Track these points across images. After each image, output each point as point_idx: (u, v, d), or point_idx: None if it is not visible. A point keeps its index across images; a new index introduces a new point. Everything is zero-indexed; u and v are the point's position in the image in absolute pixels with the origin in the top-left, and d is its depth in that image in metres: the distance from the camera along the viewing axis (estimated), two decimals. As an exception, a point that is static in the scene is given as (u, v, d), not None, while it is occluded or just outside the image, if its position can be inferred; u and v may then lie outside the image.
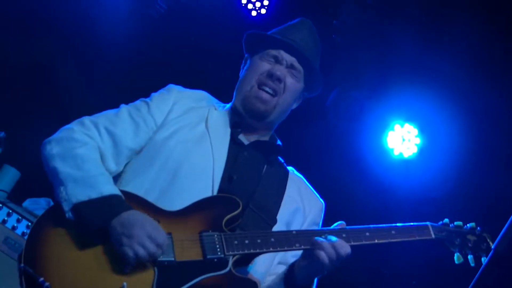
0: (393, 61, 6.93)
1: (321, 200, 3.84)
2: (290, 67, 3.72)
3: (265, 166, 3.69)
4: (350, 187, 6.82)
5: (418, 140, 7.12)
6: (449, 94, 6.66)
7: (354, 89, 7.24)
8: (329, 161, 6.91)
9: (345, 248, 3.28)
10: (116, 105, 3.66)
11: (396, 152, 7.18)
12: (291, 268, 3.44)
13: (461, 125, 6.65)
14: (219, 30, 6.94)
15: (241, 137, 3.69)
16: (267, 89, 3.65)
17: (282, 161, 3.86)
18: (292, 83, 3.72)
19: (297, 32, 3.82)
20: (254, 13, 7.14)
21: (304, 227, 3.66)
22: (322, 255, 3.25)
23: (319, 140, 7.12)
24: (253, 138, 3.74)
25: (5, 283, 4.83)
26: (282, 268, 3.56)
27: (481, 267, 2.89)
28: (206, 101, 3.82)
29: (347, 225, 3.45)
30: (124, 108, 3.63)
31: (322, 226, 3.75)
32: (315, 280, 3.46)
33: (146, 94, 3.73)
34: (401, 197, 6.93)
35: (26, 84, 6.75)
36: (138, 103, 3.67)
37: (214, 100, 3.87)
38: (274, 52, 3.74)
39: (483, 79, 6.45)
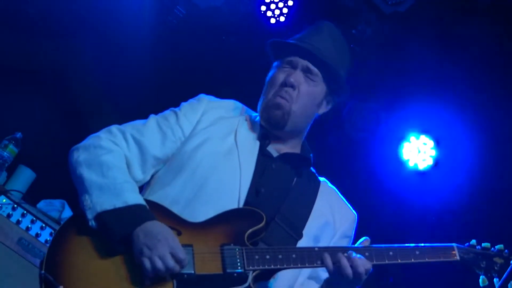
0: (410, 72, 6.90)
1: (354, 212, 3.78)
2: (306, 70, 3.66)
3: (295, 179, 3.64)
4: (365, 199, 6.78)
5: (433, 152, 7.09)
6: (465, 106, 6.64)
7: (370, 99, 7.22)
8: (344, 172, 6.88)
9: (365, 265, 3.23)
10: (133, 110, 3.66)
11: (411, 164, 7.16)
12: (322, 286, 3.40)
13: (477, 137, 6.62)
14: (238, 37, 6.95)
15: (270, 148, 3.64)
16: (281, 97, 3.60)
17: (314, 171, 3.80)
18: (308, 87, 3.65)
19: (315, 35, 3.76)
20: (273, 20, 7.11)
21: (334, 240, 3.60)
22: (343, 271, 3.20)
23: (334, 150, 7.11)
24: (283, 149, 3.68)
25: (18, 283, 4.84)
26: (312, 284, 3.53)
27: (503, 278, 2.87)
28: (238, 110, 3.79)
29: (361, 236, 3.42)
30: (152, 117, 3.62)
31: (354, 238, 3.70)
32: None
33: (164, 101, 3.72)
34: (415, 209, 6.91)
35: (44, 86, 6.77)
36: (168, 112, 3.65)
37: (246, 110, 3.84)
38: (290, 58, 3.69)
39: (500, 91, 6.41)
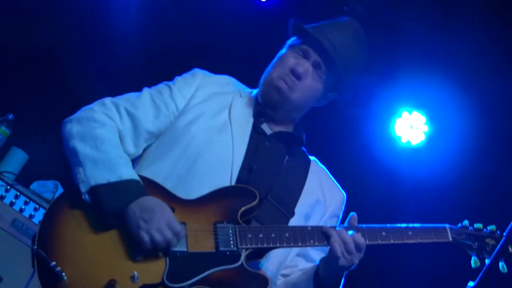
0: (402, 47, 6.87)
1: (343, 192, 3.79)
2: (317, 66, 3.62)
3: (287, 157, 3.64)
4: (357, 175, 6.79)
5: (426, 128, 7.10)
6: (458, 82, 6.62)
7: (362, 75, 7.20)
8: (336, 148, 6.89)
9: (357, 239, 3.25)
10: (125, 87, 3.65)
11: (403, 140, 7.16)
12: (317, 268, 3.39)
13: (470, 112, 6.62)
14: (229, 15, 6.91)
15: (264, 126, 3.63)
16: (285, 82, 3.58)
17: (305, 150, 3.81)
18: (313, 82, 3.62)
19: (338, 31, 3.68)
20: (264, -1, 7.07)
21: (324, 219, 3.61)
22: (335, 246, 3.22)
23: (326, 127, 7.09)
24: (277, 128, 3.67)
25: (12, 264, 4.85)
26: (301, 261, 3.55)
27: (493, 254, 2.87)
28: (232, 86, 3.77)
29: (355, 214, 3.40)
30: (146, 91, 3.59)
31: (342, 218, 3.71)
32: (341, 280, 3.40)
33: (156, 79, 3.70)
34: (408, 184, 6.91)
35: (35, 67, 6.74)
36: (161, 86, 3.63)
37: (241, 86, 3.82)
38: (305, 47, 3.64)
39: (493, 66, 6.40)
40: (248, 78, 3.83)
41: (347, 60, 3.64)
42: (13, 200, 5.07)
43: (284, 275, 3.56)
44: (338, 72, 3.64)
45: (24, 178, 5.56)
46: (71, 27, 6.80)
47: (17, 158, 5.68)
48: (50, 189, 5.51)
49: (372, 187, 6.97)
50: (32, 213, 5.10)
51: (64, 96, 6.41)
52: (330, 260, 3.28)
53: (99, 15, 6.77)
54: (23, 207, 5.07)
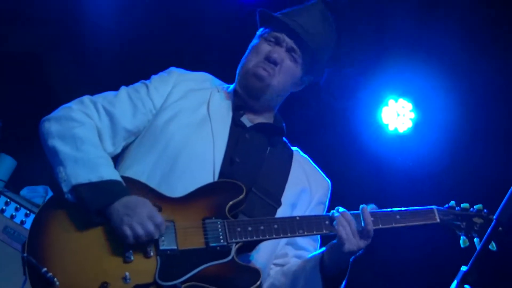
0: (386, 36, 6.89)
1: (327, 179, 3.80)
2: (290, 50, 3.65)
3: (269, 148, 3.65)
4: (346, 164, 6.83)
5: (412, 115, 7.12)
6: (442, 68, 6.65)
7: (346, 65, 7.21)
8: (324, 139, 6.91)
9: (365, 216, 3.29)
10: (110, 89, 3.64)
11: (391, 128, 7.18)
12: (322, 256, 3.40)
13: (455, 98, 6.65)
14: (210, 12, 6.91)
15: (244, 119, 3.64)
16: (264, 69, 3.59)
17: (287, 141, 3.81)
18: (289, 66, 3.65)
19: (305, 12, 3.73)
20: (245, -7, 7.07)
21: (311, 207, 3.63)
22: (339, 229, 3.24)
23: (313, 119, 7.11)
24: (257, 120, 3.68)
25: (4, 271, 4.85)
26: (290, 250, 3.57)
27: (483, 238, 2.87)
28: (208, 82, 3.77)
29: (342, 203, 3.42)
30: (123, 89, 3.59)
31: (328, 206, 3.72)
32: (348, 267, 3.39)
33: (140, 77, 3.70)
34: (398, 172, 6.94)
35: (22, 73, 6.73)
36: (138, 85, 3.63)
37: (218, 82, 3.82)
38: (276, 33, 3.67)
39: (476, 52, 6.43)
40: (230, 75, 3.84)
41: (319, 40, 3.68)
42: (4, 207, 5.08)
43: (276, 264, 3.58)
44: (312, 53, 3.68)
45: (14, 184, 5.56)
46: (53, 31, 6.78)
47: (5, 165, 5.68)
48: (41, 194, 5.51)
49: (363, 177, 6.99)
50: (24, 219, 5.11)
51: (51, 101, 6.39)
52: (336, 245, 3.30)
53: (82, 19, 6.74)
54: (14, 213, 5.08)
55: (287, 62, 3.65)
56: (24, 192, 5.51)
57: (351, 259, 3.35)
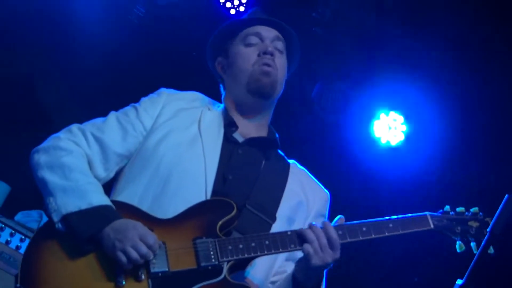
0: (376, 50, 6.93)
1: (326, 190, 3.77)
2: (275, 38, 3.70)
3: (264, 162, 3.61)
4: (339, 178, 6.83)
5: (404, 128, 7.15)
6: (432, 80, 6.70)
7: (338, 80, 7.24)
8: (317, 154, 6.91)
9: (329, 231, 3.20)
10: (102, 112, 3.65)
11: (383, 141, 7.21)
12: (294, 271, 3.35)
13: (445, 110, 6.69)
14: (199, 31, 6.93)
15: (236, 135, 3.60)
16: (265, 64, 3.60)
17: (283, 154, 3.78)
18: (281, 58, 3.70)
19: (260, 14, 3.84)
20: (233, 11, 7.09)
21: (308, 220, 3.53)
22: (306, 246, 3.18)
23: (306, 133, 7.13)
24: (250, 135, 3.64)
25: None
26: (290, 266, 3.48)
27: (478, 250, 2.86)
28: (199, 101, 3.75)
29: (336, 215, 3.38)
30: (112, 114, 3.59)
31: (328, 217, 3.67)
32: (323, 280, 3.36)
33: (132, 100, 3.71)
34: (391, 184, 6.96)
35: (13, 97, 6.73)
36: (128, 108, 3.62)
37: (208, 100, 3.80)
38: (251, 30, 3.71)
39: (465, 65, 6.48)
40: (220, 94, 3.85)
41: (287, 26, 3.77)
42: (-1, 233, 5.05)
43: (273, 282, 3.52)
44: (290, 35, 3.76)
45: (8, 210, 5.54)
46: (43, 54, 6.79)
47: (-1, 191, 5.67)
48: (35, 218, 5.49)
49: (356, 191, 7.00)
50: (19, 244, 5.08)
51: (44, 125, 6.40)
52: (303, 260, 3.25)
53: (70, 42, 6.75)
54: (9, 239, 5.05)
55: (278, 53, 3.68)
56: (19, 217, 5.49)
57: (325, 271, 3.32)
